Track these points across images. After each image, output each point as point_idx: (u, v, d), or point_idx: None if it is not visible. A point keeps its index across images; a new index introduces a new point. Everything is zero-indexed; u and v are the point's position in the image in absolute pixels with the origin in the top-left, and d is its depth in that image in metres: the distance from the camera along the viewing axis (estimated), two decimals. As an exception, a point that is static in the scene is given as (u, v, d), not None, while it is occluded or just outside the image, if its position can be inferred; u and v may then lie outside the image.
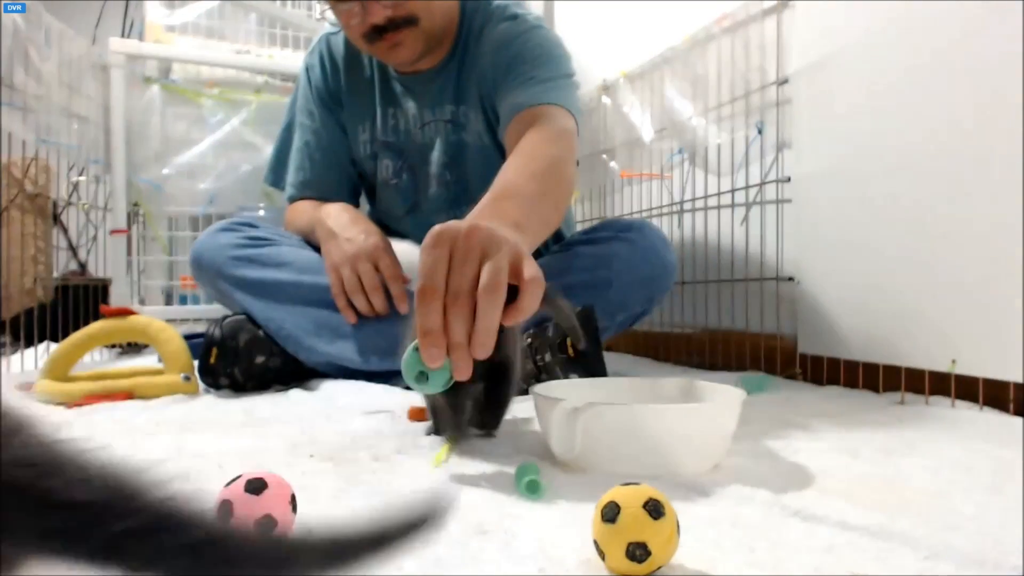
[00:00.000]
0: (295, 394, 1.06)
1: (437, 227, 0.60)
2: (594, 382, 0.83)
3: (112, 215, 1.77)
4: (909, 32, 0.99)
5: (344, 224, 1.17)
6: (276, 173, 1.41)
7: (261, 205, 1.89)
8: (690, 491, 0.57)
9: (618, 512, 0.40)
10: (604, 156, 1.73)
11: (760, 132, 1.26)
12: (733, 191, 1.34)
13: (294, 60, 1.99)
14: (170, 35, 1.95)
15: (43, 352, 1.44)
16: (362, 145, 1.32)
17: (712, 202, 1.42)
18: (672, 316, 1.56)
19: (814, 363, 1.19)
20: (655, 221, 1.56)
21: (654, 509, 0.40)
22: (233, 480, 0.45)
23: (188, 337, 1.17)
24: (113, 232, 1.76)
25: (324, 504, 0.54)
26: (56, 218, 1.95)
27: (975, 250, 0.91)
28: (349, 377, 1.11)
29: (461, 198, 1.30)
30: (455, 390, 0.62)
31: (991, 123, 0.88)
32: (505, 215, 0.71)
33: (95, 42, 2.18)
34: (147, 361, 1.42)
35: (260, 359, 1.12)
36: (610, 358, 1.42)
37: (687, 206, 1.48)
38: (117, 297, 1.75)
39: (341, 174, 1.34)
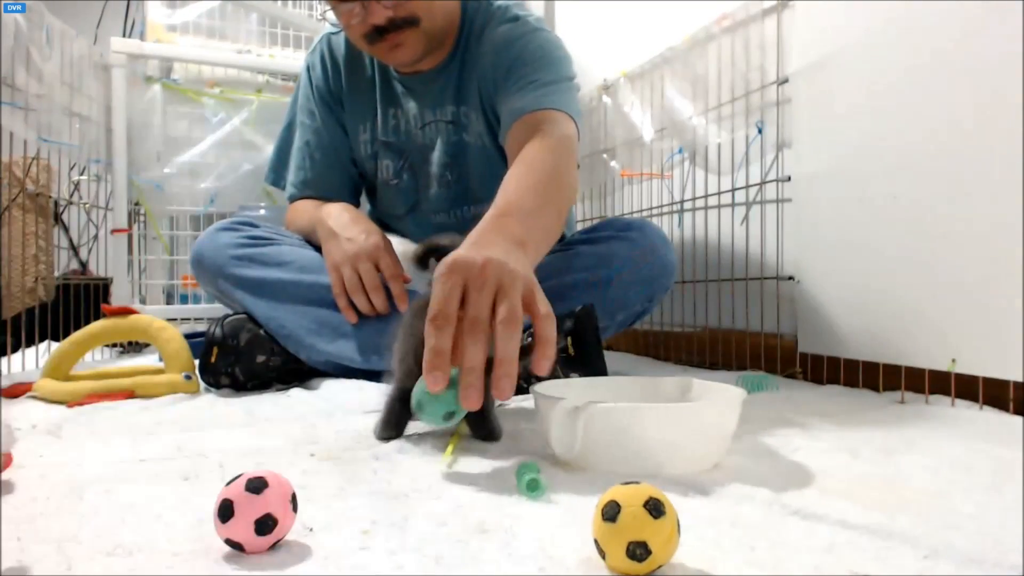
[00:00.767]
0: (296, 393, 1.06)
1: (451, 257, 0.61)
2: (594, 381, 0.83)
3: (113, 214, 1.77)
4: (909, 32, 0.99)
5: (345, 224, 1.17)
6: (277, 172, 1.41)
7: (262, 204, 1.89)
8: (690, 490, 0.57)
9: (618, 511, 0.40)
10: (604, 155, 1.74)
11: (760, 132, 1.26)
12: (733, 190, 1.34)
13: (295, 60, 1.99)
14: (171, 35, 1.95)
15: (44, 351, 1.44)
16: (363, 145, 1.32)
17: (712, 201, 1.42)
18: (672, 315, 1.56)
19: (814, 362, 1.19)
20: (655, 220, 1.57)
21: (654, 508, 0.40)
22: (234, 479, 0.45)
23: (189, 336, 1.17)
24: (114, 231, 1.76)
25: (325, 503, 0.55)
26: (57, 217, 1.95)
27: (975, 250, 0.91)
28: (350, 376, 1.11)
29: (461, 198, 1.30)
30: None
31: (991, 123, 0.89)
32: (509, 232, 0.72)
33: (96, 42, 2.18)
34: (148, 360, 1.43)
35: (261, 358, 1.12)
36: (610, 357, 1.43)
37: (687, 205, 1.48)
38: (118, 296, 1.75)
39: (342, 173, 1.34)
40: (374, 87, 1.30)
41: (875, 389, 1.06)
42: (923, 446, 0.72)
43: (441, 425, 0.65)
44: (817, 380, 1.18)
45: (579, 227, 1.75)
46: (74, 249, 2.23)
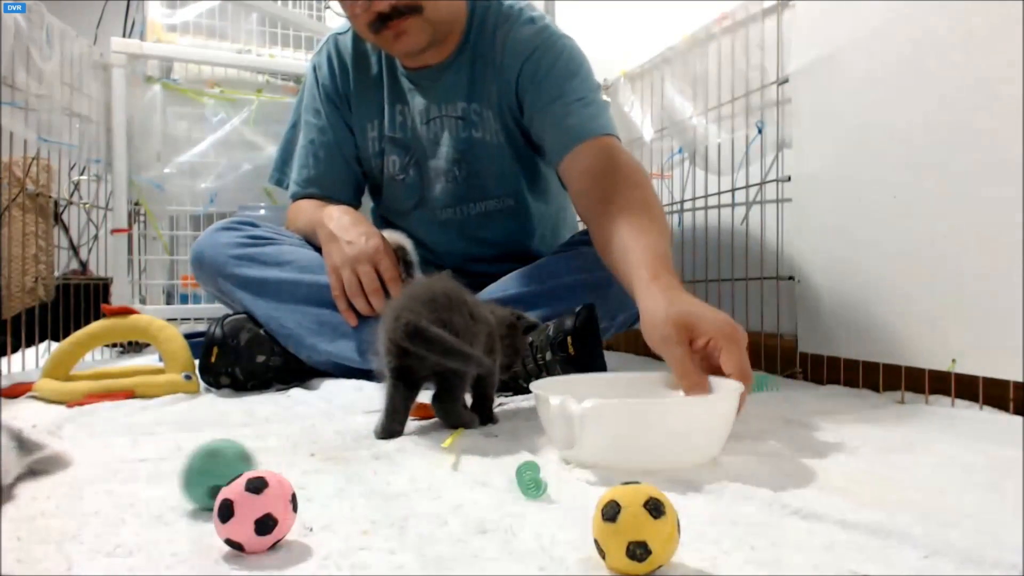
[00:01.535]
0: (296, 393, 1.06)
1: (724, 322, 0.74)
2: (593, 378, 0.84)
3: (113, 214, 1.77)
4: (909, 32, 0.99)
5: (345, 226, 1.17)
6: (280, 172, 1.41)
7: (262, 204, 1.89)
8: (690, 489, 0.57)
9: (618, 511, 0.40)
10: (604, 155, 1.73)
11: (760, 131, 1.26)
12: (733, 190, 1.34)
13: (295, 60, 1.99)
14: (171, 34, 1.96)
15: (44, 351, 1.44)
16: (371, 142, 1.32)
17: (712, 201, 1.42)
18: (672, 315, 1.56)
19: (814, 362, 1.19)
20: (655, 220, 1.56)
21: (654, 508, 0.40)
22: (234, 479, 0.46)
23: (189, 336, 1.17)
24: (114, 231, 1.76)
25: (324, 503, 0.55)
26: (57, 217, 1.94)
27: (975, 250, 0.91)
28: (350, 376, 1.11)
29: (469, 195, 1.30)
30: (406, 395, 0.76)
31: (991, 123, 0.88)
32: (674, 282, 0.84)
33: (96, 41, 2.18)
34: (148, 360, 1.42)
35: (261, 358, 1.12)
36: (610, 357, 1.42)
37: (687, 205, 1.48)
38: (118, 296, 1.75)
39: (345, 172, 1.34)
40: (381, 85, 1.30)
41: (875, 389, 1.06)
42: (923, 446, 0.72)
43: None
44: (817, 380, 1.18)
45: (580, 227, 1.75)
46: (74, 249, 2.23)
